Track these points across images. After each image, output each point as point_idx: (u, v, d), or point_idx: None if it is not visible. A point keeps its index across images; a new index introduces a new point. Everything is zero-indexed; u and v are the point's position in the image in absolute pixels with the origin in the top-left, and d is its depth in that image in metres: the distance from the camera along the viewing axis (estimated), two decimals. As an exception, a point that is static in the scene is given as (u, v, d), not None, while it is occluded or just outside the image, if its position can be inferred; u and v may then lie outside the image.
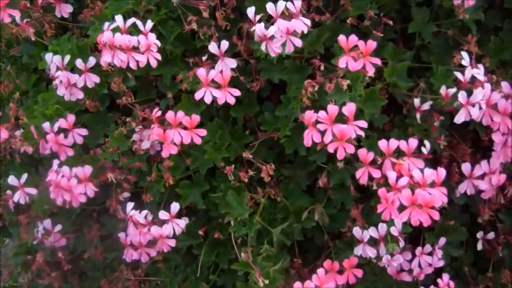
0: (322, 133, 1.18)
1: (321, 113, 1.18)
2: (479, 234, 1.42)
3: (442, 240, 1.32)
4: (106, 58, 1.30)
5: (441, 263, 1.32)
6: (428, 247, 1.31)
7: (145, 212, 1.29)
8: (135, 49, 1.30)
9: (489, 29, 1.38)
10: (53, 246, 1.47)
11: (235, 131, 1.43)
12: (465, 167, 1.27)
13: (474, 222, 1.45)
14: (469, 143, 1.42)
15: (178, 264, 1.47)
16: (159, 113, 1.29)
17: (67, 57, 1.37)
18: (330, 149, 1.18)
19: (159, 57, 1.32)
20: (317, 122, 1.18)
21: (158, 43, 1.32)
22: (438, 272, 1.36)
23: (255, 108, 1.43)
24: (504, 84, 1.21)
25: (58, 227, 1.46)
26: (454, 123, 1.37)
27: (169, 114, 1.27)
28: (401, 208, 1.14)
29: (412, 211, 1.13)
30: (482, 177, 1.27)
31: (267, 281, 1.19)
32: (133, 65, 1.30)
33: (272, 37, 1.24)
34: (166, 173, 1.36)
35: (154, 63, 1.32)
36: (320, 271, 1.21)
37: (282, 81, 1.39)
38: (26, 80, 1.61)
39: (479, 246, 1.42)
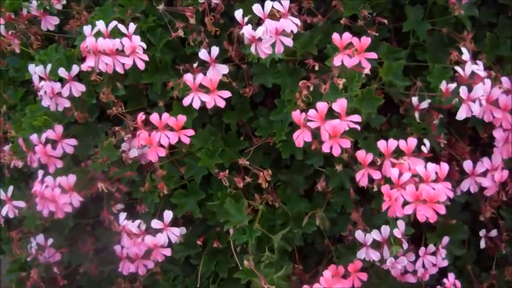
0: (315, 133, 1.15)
1: (311, 111, 1.15)
2: (482, 232, 1.40)
3: (446, 240, 1.30)
4: (89, 63, 1.27)
5: (445, 263, 1.30)
6: (431, 247, 1.28)
7: (138, 221, 1.25)
8: (120, 52, 1.27)
9: (483, 25, 1.37)
10: (47, 261, 1.43)
11: (228, 137, 1.40)
12: (467, 164, 1.25)
13: (475, 220, 1.43)
14: (467, 141, 1.40)
15: (177, 275, 1.43)
16: (144, 117, 1.26)
17: (49, 66, 1.34)
18: (325, 148, 1.15)
19: (146, 58, 1.29)
20: (308, 121, 1.16)
21: (144, 45, 1.29)
22: (442, 272, 1.34)
23: (249, 114, 1.41)
24: (504, 80, 1.19)
25: (51, 242, 1.42)
26: (452, 121, 1.36)
27: (154, 117, 1.24)
28: (405, 205, 1.12)
29: (417, 207, 1.11)
30: (484, 174, 1.24)
31: (273, 287, 1.16)
32: (119, 69, 1.27)
33: (260, 39, 1.21)
34: (159, 182, 1.33)
35: (141, 65, 1.29)
36: (327, 273, 1.18)
37: (275, 85, 1.36)
38: (14, 94, 1.58)
39: (482, 244, 1.40)
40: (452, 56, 1.23)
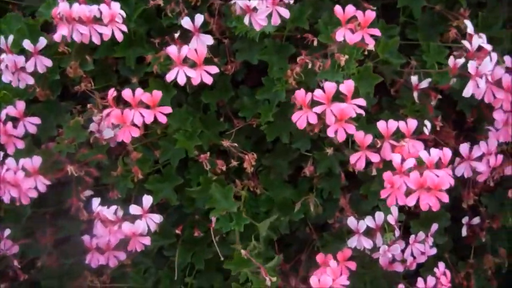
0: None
1: (318, 92, 1.08)
2: (464, 220, 1.37)
3: (434, 227, 1.26)
4: (62, 31, 1.14)
5: (433, 251, 1.26)
6: (421, 235, 1.24)
7: (114, 207, 1.14)
8: (97, 20, 1.16)
9: (472, 5, 1.33)
10: (3, 254, 1.28)
11: (207, 118, 1.31)
12: (464, 148, 1.20)
13: (453, 206, 1.40)
14: (451, 125, 1.37)
15: (148, 267, 1.32)
16: (115, 93, 1.15)
17: (11, 37, 1.20)
18: (330, 133, 1.08)
19: (125, 29, 1.18)
20: (313, 102, 1.09)
21: (123, 13, 1.18)
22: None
23: (230, 93, 1.31)
24: (507, 59, 1.15)
25: (8, 233, 1.28)
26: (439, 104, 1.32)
27: (127, 92, 1.13)
28: (407, 193, 1.07)
29: (421, 195, 1.06)
30: (480, 158, 1.21)
31: (274, 278, 1.08)
32: (96, 40, 1.16)
33: (256, 9, 1.13)
34: (134, 166, 1.22)
35: (120, 37, 1.17)
36: (333, 263, 1.11)
37: (259, 62, 1.27)
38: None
39: (464, 232, 1.37)
40: (451, 34, 1.19)
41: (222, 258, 1.20)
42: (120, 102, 1.17)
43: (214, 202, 1.18)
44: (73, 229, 1.34)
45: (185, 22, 1.19)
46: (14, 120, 1.22)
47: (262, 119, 1.24)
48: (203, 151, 1.24)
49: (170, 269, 1.30)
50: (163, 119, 1.13)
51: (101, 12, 1.14)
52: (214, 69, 1.17)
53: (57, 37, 1.15)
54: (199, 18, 1.19)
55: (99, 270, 1.32)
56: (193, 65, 1.16)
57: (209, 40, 1.21)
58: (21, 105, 1.22)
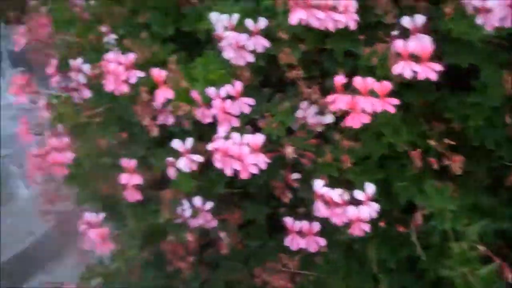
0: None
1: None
2: None
3: None
4: (300, 15, 1.19)
5: None
6: None
7: (339, 190, 1.16)
8: (332, 9, 1.20)
9: None
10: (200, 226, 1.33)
11: (407, 117, 1.31)
12: None
13: None
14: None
15: (337, 259, 1.33)
16: (344, 80, 1.17)
17: (236, 16, 1.26)
18: None
19: (357, 18, 1.22)
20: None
21: (355, 4, 1.21)
22: None
23: (434, 94, 1.32)
24: None
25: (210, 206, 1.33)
26: None
27: (358, 80, 1.16)
28: None
29: None
30: None
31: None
32: (331, 26, 1.20)
33: (490, 10, 1.14)
34: (343, 155, 1.24)
35: (353, 26, 1.21)
36: None
37: (457, 67, 1.27)
38: (162, 50, 1.48)
39: None
40: None
41: (424, 258, 1.20)
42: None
43: (426, 198, 1.17)
44: (258, 213, 1.38)
45: (406, 21, 1.22)
46: (231, 99, 1.27)
47: (474, 122, 1.24)
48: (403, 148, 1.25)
49: (359, 263, 1.31)
50: (391, 110, 1.15)
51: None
52: (438, 67, 1.18)
53: (293, 20, 1.19)
54: (420, 18, 1.21)
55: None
56: (416, 61, 1.18)
57: (427, 40, 1.22)
58: (239, 85, 1.27)
